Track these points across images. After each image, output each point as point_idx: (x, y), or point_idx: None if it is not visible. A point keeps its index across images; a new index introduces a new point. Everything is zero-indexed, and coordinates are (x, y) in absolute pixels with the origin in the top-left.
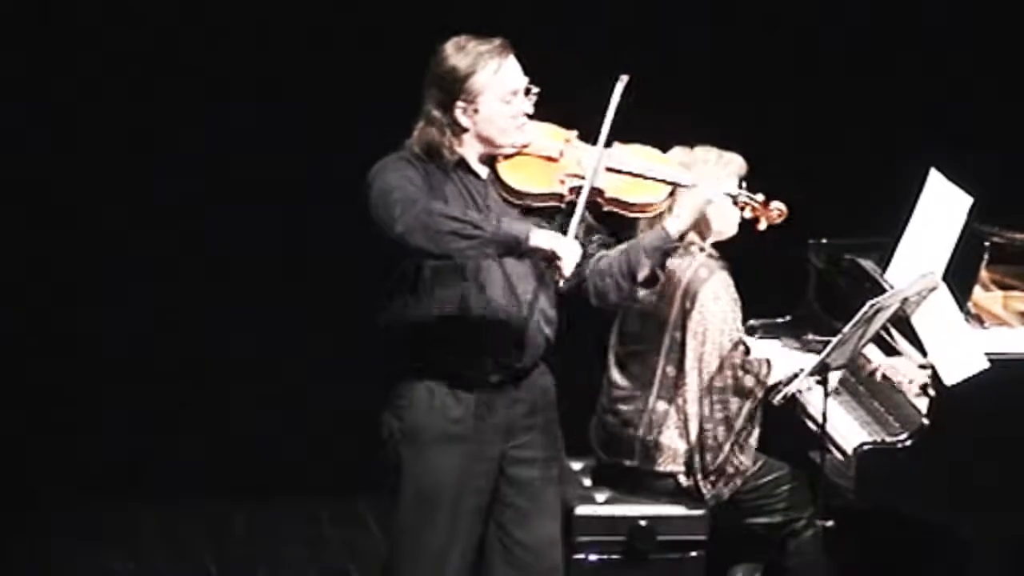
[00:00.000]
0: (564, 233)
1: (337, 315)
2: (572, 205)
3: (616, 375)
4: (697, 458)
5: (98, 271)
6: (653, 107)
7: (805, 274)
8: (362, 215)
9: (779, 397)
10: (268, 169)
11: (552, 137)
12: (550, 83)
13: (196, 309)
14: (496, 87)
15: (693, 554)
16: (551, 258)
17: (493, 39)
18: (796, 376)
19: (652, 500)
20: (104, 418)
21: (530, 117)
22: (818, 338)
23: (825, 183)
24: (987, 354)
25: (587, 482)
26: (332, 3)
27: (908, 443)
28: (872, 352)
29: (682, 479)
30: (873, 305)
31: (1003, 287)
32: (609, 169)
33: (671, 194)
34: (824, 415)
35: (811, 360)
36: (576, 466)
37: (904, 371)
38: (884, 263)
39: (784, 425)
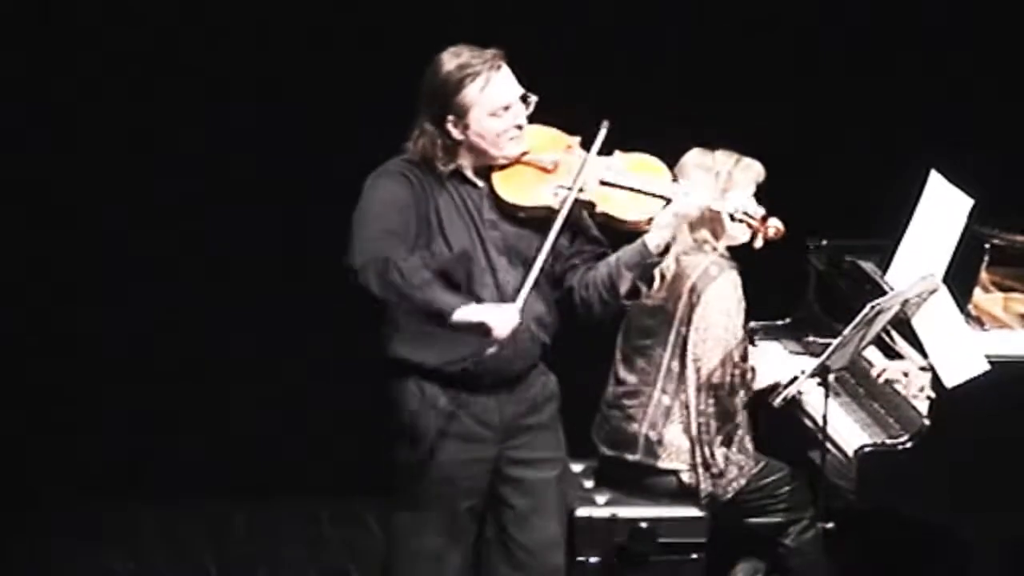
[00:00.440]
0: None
1: (337, 315)
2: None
3: (622, 370)
4: (698, 453)
5: (98, 271)
6: (653, 107)
7: (805, 276)
8: None
9: (779, 399)
10: (268, 169)
11: (552, 145)
12: (547, 84)
13: (196, 309)
14: (485, 103)
15: (693, 556)
16: (483, 331)
17: (486, 51)
18: (796, 378)
19: (653, 502)
20: (104, 418)
21: (532, 121)
22: (819, 340)
23: (825, 183)
24: (987, 356)
25: (588, 484)
26: (332, 3)
27: (909, 445)
28: (873, 355)
29: (684, 476)
30: (874, 307)
31: (1003, 289)
32: (603, 183)
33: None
34: (824, 417)
35: (811, 362)
36: (577, 468)
37: (904, 373)
38: (884, 265)
39: (784, 426)
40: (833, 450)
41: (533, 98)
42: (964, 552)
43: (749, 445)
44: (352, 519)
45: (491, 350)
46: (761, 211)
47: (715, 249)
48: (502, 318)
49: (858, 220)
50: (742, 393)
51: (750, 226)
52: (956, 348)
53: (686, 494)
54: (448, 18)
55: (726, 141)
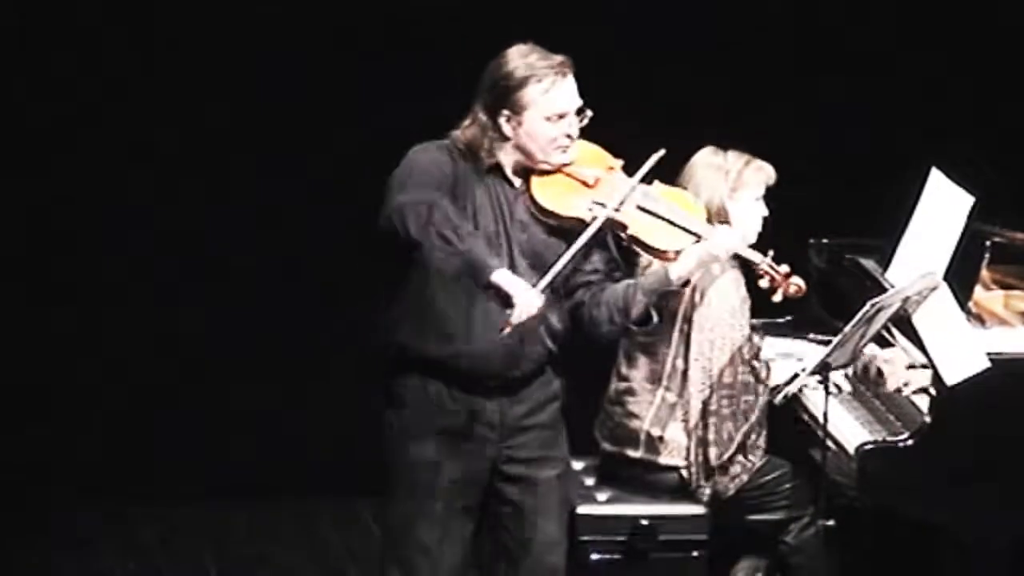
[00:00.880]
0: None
1: (337, 315)
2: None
3: (625, 368)
4: (700, 452)
5: (98, 270)
6: (654, 107)
7: (806, 274)
8: (362, 214)
9: (780, 397)
10: (268, 169)
11: (595, 162)
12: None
13: (196, 309)
14: (544, 105)
15: (695, 553)
16: (506, 302)
17: (556, 56)
18: (797, 376)
19: (654, 499)
20: (104, 418)
21: (580, 136)
22: (819, 338)
23: (825, 183)
24: (988, 354)
25: (589, 481)
26: (332, 3)
27: (909, 442)
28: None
29: (686, 473)
30: (874, 304)
31: (1004, 286)
32: (640, 208)
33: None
34: (825, 414)
35: (812, 360)
36: (578, 465)
37: (900, 369)
38: (885, 263)
39: (785, 424)
40: (834, 447)
41: (589, 113)
42: (964, 550)
43: (762, 443)
44: (352, 519)
45: (505, 332)
46: (785, 268)
47: None
48: (528, 296)
49: (858, 220)
50: (760, 389)
51: (772, 280)
52: (957, 346)
53: (687, 491)
54: (449, 19)
55: (726, 141)
